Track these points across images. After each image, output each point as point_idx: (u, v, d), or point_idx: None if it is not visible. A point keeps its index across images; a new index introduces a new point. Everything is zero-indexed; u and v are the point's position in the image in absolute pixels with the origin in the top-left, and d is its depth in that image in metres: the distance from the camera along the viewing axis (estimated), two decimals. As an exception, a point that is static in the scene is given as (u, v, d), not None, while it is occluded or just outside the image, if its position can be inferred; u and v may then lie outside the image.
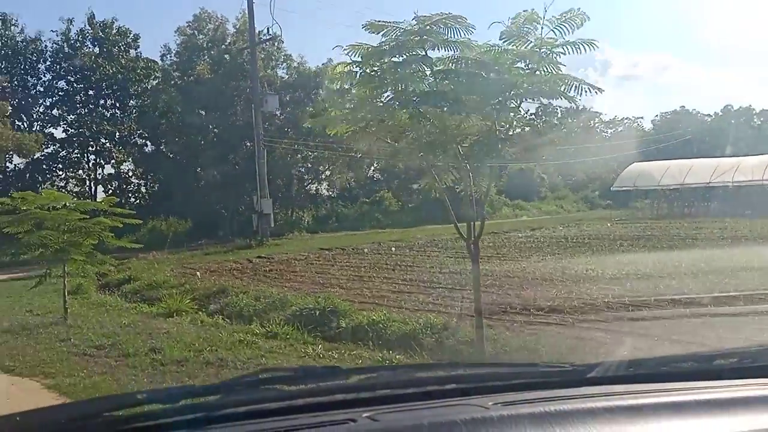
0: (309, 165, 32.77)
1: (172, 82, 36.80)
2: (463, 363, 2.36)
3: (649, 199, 36.22)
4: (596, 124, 54.83)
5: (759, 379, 1.52)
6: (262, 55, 31.39)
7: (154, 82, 39.40)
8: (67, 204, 10.10)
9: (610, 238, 20.00)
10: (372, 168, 36.30)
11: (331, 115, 6.94)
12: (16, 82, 36.35)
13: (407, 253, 18.87)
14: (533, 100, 6.55)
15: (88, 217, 10.30)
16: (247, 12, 27.16)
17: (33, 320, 10.48)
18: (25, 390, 6.74)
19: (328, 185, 35.25)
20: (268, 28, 26.06)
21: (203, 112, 32.53)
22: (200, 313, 10.82)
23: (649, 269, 12.00)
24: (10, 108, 29.54)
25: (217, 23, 35.75)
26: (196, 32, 35.61)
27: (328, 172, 34.75)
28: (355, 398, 1.40)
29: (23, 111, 36.28)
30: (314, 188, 36.04)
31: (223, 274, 16.86)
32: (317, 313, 9.50)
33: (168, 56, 37.61)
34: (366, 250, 20.24)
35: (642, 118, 70.33)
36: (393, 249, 19.91)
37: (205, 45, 35.37)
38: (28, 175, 36.33)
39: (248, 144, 30.24)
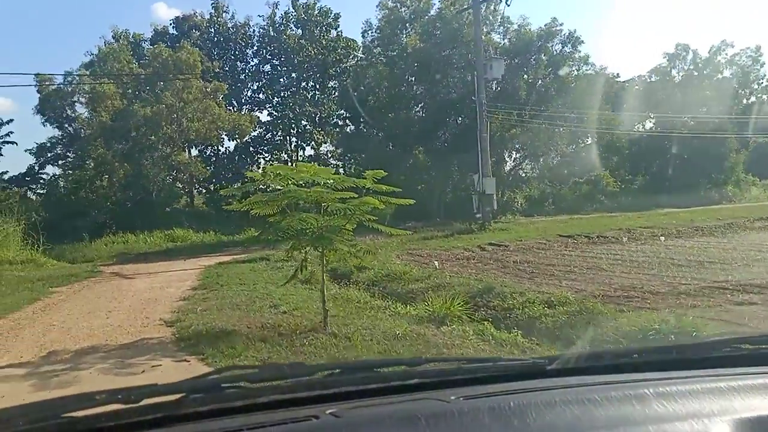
0: (527, 140, 29.11)
1: (372, 59, 35.29)
2: (426, 358, 2.31)
3: None
4: None
5: (712, 369, 1.54)
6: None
7: (353, 61, 38.45)
8: (326, 180, 7.86)
9: None
10: (587, 142, 31.53)
11: None
12: (227, 68, 37.02)
13: (686, 244, 14.92)
14: None
15: (349, 197, 8.04)
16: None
17: (285, 322, 8.45)
18: None
19: (543, 163, 31.37)
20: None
21: (409, 87, 30.30)
22: (486, 323, 8.09)
23: None
24: (227, 89, 29.50)
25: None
26: (398, 5, 33.49)
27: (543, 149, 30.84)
28: (318, 395, 1.38)
29: (233, 95, 36.82)
30: (529, 166, 32.34)
31: (461, 264, 14.29)
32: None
33: (369, 32, 36.03)
34: (624, 239, 16.55)
35: None
36: (661, 238, 16.01)
37: (408, 17, 33.18)
38: (237, 158, 36.99)
39: (459, 119, 27.60)
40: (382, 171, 8.25)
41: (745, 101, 43.48)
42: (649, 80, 39.95)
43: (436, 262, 14.07)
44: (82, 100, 28.32)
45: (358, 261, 12.22)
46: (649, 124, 38.80)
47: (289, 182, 7.88)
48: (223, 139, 31.88)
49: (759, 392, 1.42)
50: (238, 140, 31.52)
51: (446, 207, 27.46)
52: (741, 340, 1.80)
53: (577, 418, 1.28)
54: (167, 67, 26.04)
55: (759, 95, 43.79)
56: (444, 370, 1.63)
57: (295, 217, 7.89)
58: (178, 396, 1.36)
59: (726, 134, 35.80)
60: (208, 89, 27.64)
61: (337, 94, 38.47)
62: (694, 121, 36.16)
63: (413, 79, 30.25)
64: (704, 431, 1.25)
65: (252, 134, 36.49)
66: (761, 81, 44.12)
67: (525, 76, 28.43)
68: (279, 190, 8.01)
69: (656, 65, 41.75)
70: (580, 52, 29.51)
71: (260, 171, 8.41)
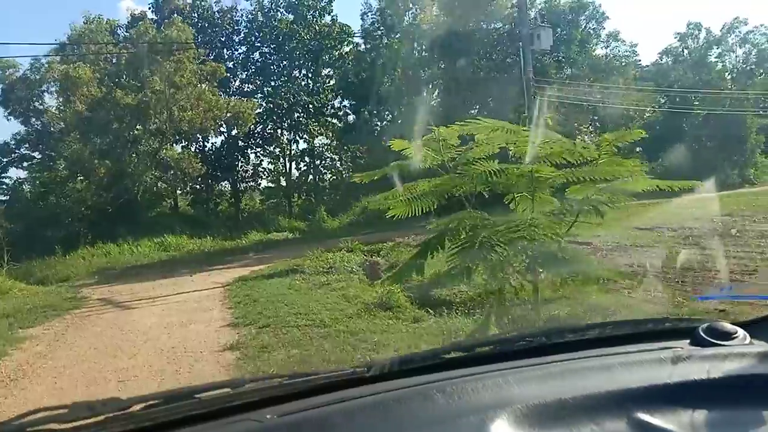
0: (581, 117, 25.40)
1: (375, 42, 31.34)
2: (248, 378, 1.91)
3: None
4: None
5: (495, 365, 1.58)
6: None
7: (347, 48, 34.47)
8: (548, 149, 4.03)
9: None
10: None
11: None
12: (212, 56, 32.55)
13: None
14: None
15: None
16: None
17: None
18: None
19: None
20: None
21: (423, 68, 26.34)
22: None
23: None
24: (227, 71, 25.02)
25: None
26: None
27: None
28: (135, 428, 1.30)
29: (221, 85, 32.44)
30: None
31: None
32: None
33: (369, 15, 32.06)
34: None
35: None
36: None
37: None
38: (225, 154, 32.69)
39: (489, 99, 23.68)
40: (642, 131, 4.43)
41: (757, 79, 40.58)
42: (660, 62, 36.84)
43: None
44: (53, 88, 23.68)
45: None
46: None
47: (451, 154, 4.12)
48: (222, 129, 27.35)
49: (534, 382, 1.45)
50: (239, 130, 27.08)
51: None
52: (521, 337, 1.85)
53: (377, 423, 1.30)
54: (155, 48, 21.57)
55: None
56: (263, 388, 1.51)
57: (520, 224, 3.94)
58: (116, 413, 1.30)
59: (746, 111, 32.96)
60: (204, 72, 23.25)
61: (333, 82, 34.47)
62: (709, 101, 33.29)
63: (428, 59, 26.24)
64: (482, 423, 1.27)
65: (237, 129, 32.19)
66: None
67: (555, 52, 24.83)
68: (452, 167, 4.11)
69: (667, 45, 38.88)
70: (604, 28, 26.08)
71: (432, 134, 4.34)
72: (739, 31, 39.61)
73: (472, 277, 4.62)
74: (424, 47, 27.02)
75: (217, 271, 15.59)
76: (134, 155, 23.10)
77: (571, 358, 1.59)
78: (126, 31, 29.19)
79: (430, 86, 27.09)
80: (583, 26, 25.82)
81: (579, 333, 1.84)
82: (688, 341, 1.66)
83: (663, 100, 34.09)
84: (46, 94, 25.56)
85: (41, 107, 25.71)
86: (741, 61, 39.17)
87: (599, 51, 26.00)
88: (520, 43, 18.88)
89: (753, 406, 1.37)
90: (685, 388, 1.41)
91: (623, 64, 25.34)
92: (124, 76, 23.56)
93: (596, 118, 26.25)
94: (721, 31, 38.77)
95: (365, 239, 17.78)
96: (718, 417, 1.36)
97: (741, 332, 1.66)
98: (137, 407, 1.35)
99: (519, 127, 4.31)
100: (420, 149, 4.40)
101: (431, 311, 8.44)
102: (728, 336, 1.64)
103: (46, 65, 24.28)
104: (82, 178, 23.78)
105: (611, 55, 26.21)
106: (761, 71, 40.28)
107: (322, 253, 15.30)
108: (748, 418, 1.36)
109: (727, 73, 35.77)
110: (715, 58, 36.61)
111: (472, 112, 24.56)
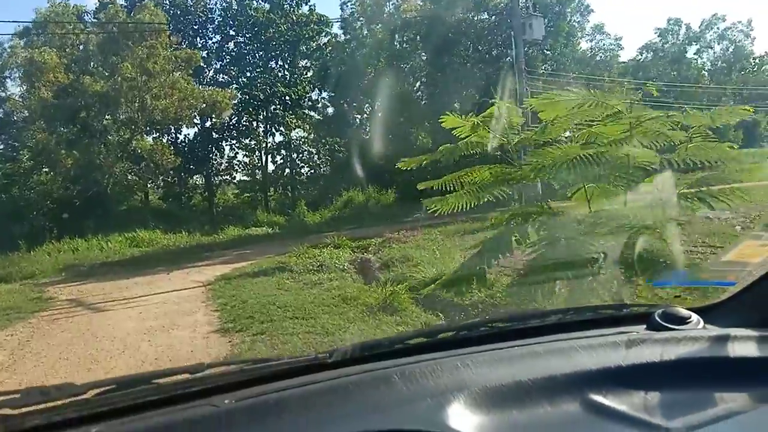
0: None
1: (351, 34, 30.38)
2: (208, 363, 1.47)
3: None
4: None
5: (455, 350, 1.57)
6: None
7: (326, 39, 33.45)
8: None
9: None
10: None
11: None
12: (185, 45, 31.15)
13: None
14: None
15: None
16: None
17: None
18: None
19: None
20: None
21: (406, 59, 25.45)
22: None
23: None
24: (201, 60, 23.75)
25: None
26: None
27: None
28: (90, 414, 1.27)
29: (194, 75, 31.01)
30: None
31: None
32: None
33: (348, 4, 31.03)
34: None
35: None
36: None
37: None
38: (198, 146, 31.39)
39: (472, 91, 22.79)
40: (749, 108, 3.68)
41: (734, 76, 40.77)
42: (639, 57, 36.61)
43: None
44: (16, 74, 22.11)
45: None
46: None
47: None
48: (196, 119, 26.04)
49: (493, 365, 1.46)
50: (216, 120, 25.83)
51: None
52: (483, 323, 1.91)
53: (334, 406, 1.29)
54: (126, 32, 20.20)
55: (752, 70, 41.12)
56: (223, 373, 1.48)
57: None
58: (67, 400, 1.28)
59: (723, 107, 33.01)
60: (179, 59, 21.93)
61: (310, 74, 33.41)
62: (686, 96, 33.24)
63: (411, 50, 25.37)
64: (440, 406, 1.28)
65: (214, 119, 30.92)
66: (754, 56, 41.50)
67: (542, 44, 24.18)
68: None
69: (647, 41, 38.72)
70: (589, 21, 25.59)
71: (491, 110, 3.47)
72: (717, 28, 39.81)
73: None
74: (405, 38, 26.13)
75: (196, 269, 14.50)
76: (103, 146, 21.73)
77: (530, 342, 1.60)
78: (94, 17, 27.73)
79: (413, 78, 26.22)
80: (568, 18, 25.31)
81: (540, 319, 1.84)
82: (645, 326, 1.68)
83: (641, 95, 33.93)
84: (8, 80, 24.04)
85: (3, 94, 24.17)
86: (718, 57, 39.26)
87: (584, 44, 25.47)
88: (512, 33, 18.14)
89: (703, 388, 1.39)
90: (639, 371, 1.43)
91: (608, 57, 24.88)
92: (93, 62, 22.15)
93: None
94: (699, 27, 38.93)
95: (351, 234, 16.89)
96: (670, 398, 1.37)
97: (695, 317, 1.69)
98: (93, 392, 1.32)
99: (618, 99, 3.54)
100: (476, 128, 3.57)
101: (441, 315, 7.63)
102: (683, 321, 1.66)
103: (9, 50, 22.73)
104: (47, 169, 22.36)
105: (596, 48, 25.78)
106: (738, 67, 40.50)
107: (307, 249, 14.33)
108: (699, 399, 1.37)
109: (704, 70, 35.73)
110: (694, 54, 36.62)
111: (456, 105, 23.85)
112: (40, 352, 7.50)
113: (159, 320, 8.73)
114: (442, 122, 3.98)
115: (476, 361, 1.46)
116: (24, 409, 1.24)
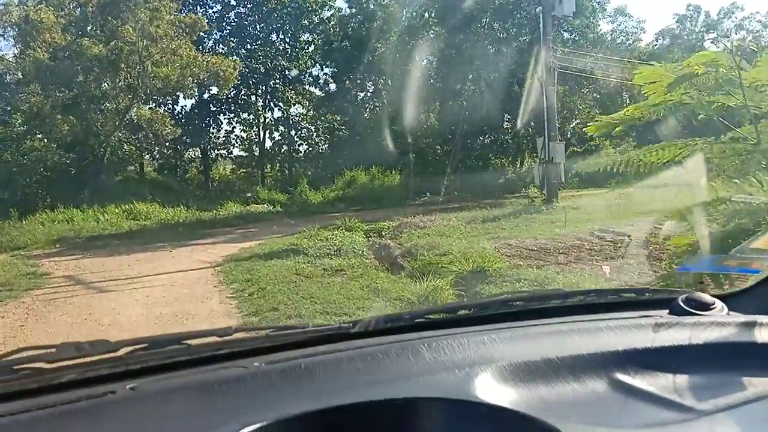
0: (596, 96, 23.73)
1: (356, 8, 29.13)
2: (235, 327, 1.42)
3: None
4: None
5: (480, 326, 1.56)
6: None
7: (329, 13, 32.13)
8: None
9: None
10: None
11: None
12: (184, 12, 29.72)
13: None
14: None
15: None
16: None
17: None
18: None
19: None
20: None
21: (417, 36, 24.23)
22: None
23: None
24: (206, 24, 22.40)
25: None
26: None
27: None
28: (123, 371, 1.26)
29: (194, 44, 29.70)
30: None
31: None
32: None
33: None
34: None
35: None
36: None
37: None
38: (196, 119, 30.15)
39: (486, 76, 21.79)
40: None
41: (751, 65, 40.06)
42: (655, 43, 35.65)
43: (606, 268, 8.68)
44: (10, 33, 20.65)
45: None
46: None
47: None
48: (195, 89, 24.75)
49: (518, 341, 1.45)
50: (219, 91, 24.57)
51: (462, 177, 21.97)
52: (504, 300, 1.85)
53: (362, 373, 1.29)
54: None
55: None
56: (251, 338, 1.50)
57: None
58: None
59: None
60: (183, 24, 20.61)
61: (312, 48, 32.13)
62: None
63: (422, 25, 24.15)
64: (467, 377, 1.26)
65: (213, 91, 29.60)
66: (773, 46, 40.77)
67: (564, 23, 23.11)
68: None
69: (664, 27, 37.76)
70: (610, 2, 24.56)
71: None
72: (736, 17, 38.94)
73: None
74: (414, 13, 24.90)
75: (201, 247, 13.52)
76: (100, 113, 20.45)
77: (553, 322, 1.59)
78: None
79: (423, 55, 25.05)
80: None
81: (561, 299, 1.81)
82: (667, 311, 1.65)
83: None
84: (1, 39, 22.55)
85: (-4, 55, 22.62)
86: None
87: (604, 26, 24.48)
88: (539, 9, 17.06)
89: (731, 373, 1.36)
90: (665, 353, 1.40)
91: (631, 40, 23.95)
92: (92, 24, 20.74)
93: (597, 96, 24.85)
94: (717, 15, 38.07)
95: (358, 216, 15.96)
96: (698, 381, 1.34)
97: (719, 304, 1.66)
98: (125, 350, 1.32)
99: None
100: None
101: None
102: (706, 307, 1.64)
103: (2, 7, 21.21)
104: (41, 135, 21.06)
105: (618, 30, 24.77)
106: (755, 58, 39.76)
107: (318, 230, 13.39)
108: (728, 383, 1.33)
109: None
110: (710, 42, 35.79)
111: (469, 85, 22.81)
112: (36, 340, 6.51)
113: (169, 307, 7.77)
114: (638, 74, 3.24)
115: (502, 337, 1.45)
116: (58, 364, 1.24)
